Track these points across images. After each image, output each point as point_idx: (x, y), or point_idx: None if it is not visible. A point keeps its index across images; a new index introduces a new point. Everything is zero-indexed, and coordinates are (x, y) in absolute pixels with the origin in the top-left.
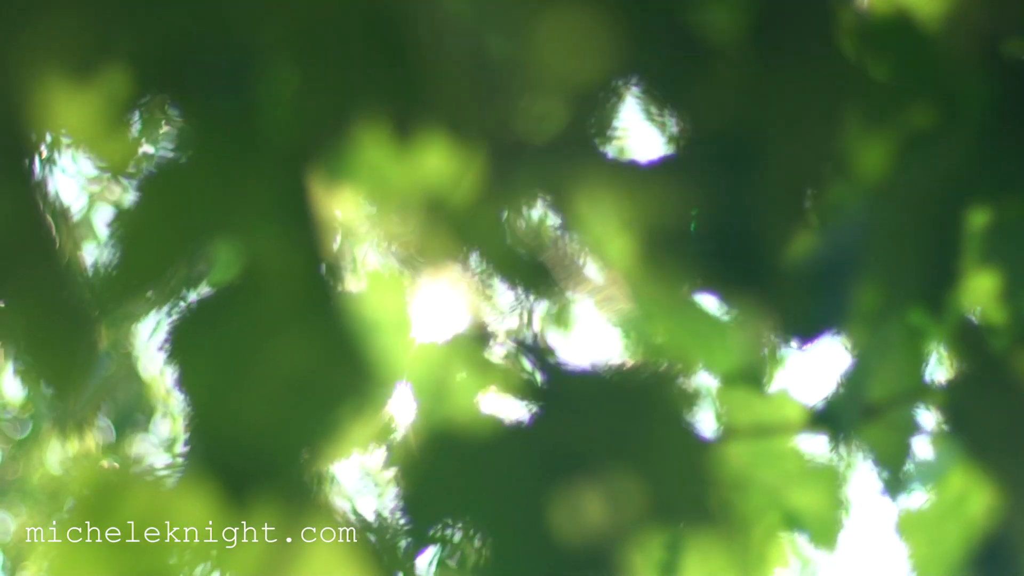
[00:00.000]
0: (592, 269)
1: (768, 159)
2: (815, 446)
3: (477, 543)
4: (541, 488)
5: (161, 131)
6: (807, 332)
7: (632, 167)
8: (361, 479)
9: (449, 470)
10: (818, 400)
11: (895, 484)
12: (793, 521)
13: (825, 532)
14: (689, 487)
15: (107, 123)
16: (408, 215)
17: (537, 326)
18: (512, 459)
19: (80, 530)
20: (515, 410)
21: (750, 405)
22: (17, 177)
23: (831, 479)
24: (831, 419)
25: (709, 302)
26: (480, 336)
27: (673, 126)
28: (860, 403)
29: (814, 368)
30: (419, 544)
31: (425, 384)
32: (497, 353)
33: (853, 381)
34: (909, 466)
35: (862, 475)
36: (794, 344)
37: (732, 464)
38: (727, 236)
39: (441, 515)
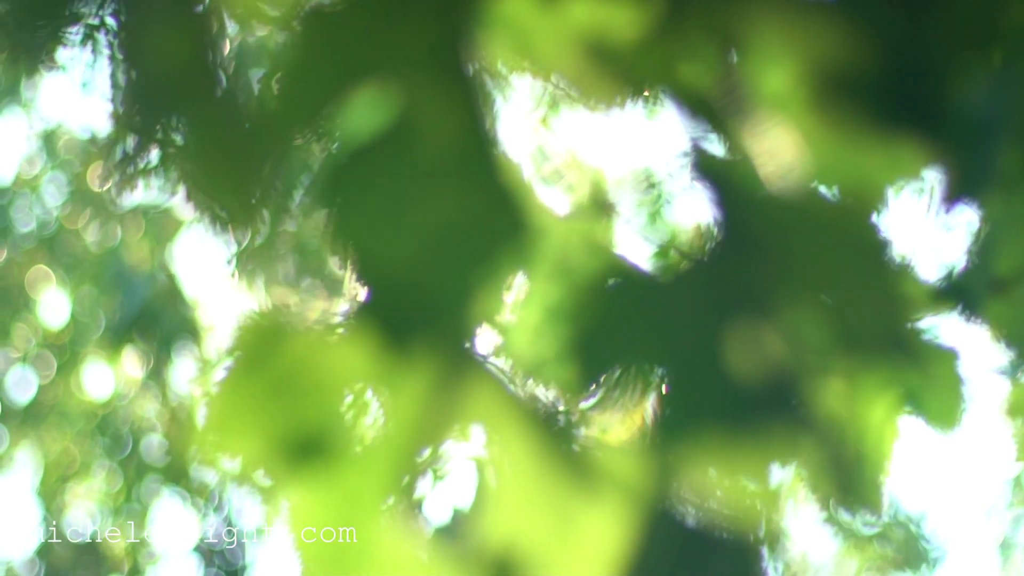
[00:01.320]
0: (764, 109)
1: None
2: (937, 323)
3: (654, 384)
4: (719, 325)
5: None
6: (954, 193)
7: (806, 4)
8: (520, 328)
9: (623, 310)
10: (944, 274)
11: (1019, 361)
12: (912, 400)
13: (944, 412)
14: (876, 317)
15: None
16: (570, 60)
17: (709, 162)
18: (689, 296)
19: (243, 379)
20: (691, 246)
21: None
22: (187, 19)
23: (951, 358)
24: (957, 294)
25: (879, 143)
26: (645, 180)
27: None
28: (988, 278)
29: (942, 241)
30: (590, 386)
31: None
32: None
33: (982, 254)
34: None
35: (983, 353)
36: (943, 206)
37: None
38: (901, 76)
39: (616, 356)
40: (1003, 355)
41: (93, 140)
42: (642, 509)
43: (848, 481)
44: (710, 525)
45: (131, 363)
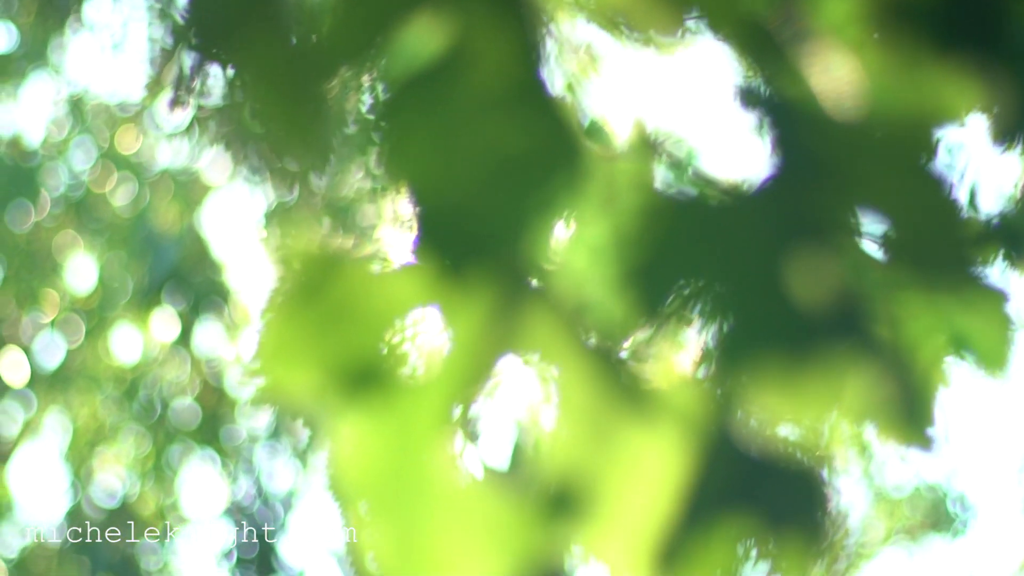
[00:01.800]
0: (823, 36)
1: None
2: (985, 263)
3: (714, 312)
4: (781, 250)
5: None
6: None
7: None
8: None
9: (682, 236)
10: (993, 214)
11: None
12: (961, 344)
13: (994, 356)
14: (939, 240)
15: None
16: None
17: (768, 89)
18: (750, 221)
19: (296, 307)
20: (749, 170)
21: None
22: None
23: (1000, 299)
24: (1005, 236)
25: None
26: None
27: None
28: None
29: (993, 179)
30: (648, 313)
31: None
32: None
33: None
34: None
35: None
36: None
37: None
38: (961, 5)
39: (675, 282)
40: None
41: (122, 104)
42: (701, 438)
43: (910, 410)
44: (772, 453)
45: (160, 327)
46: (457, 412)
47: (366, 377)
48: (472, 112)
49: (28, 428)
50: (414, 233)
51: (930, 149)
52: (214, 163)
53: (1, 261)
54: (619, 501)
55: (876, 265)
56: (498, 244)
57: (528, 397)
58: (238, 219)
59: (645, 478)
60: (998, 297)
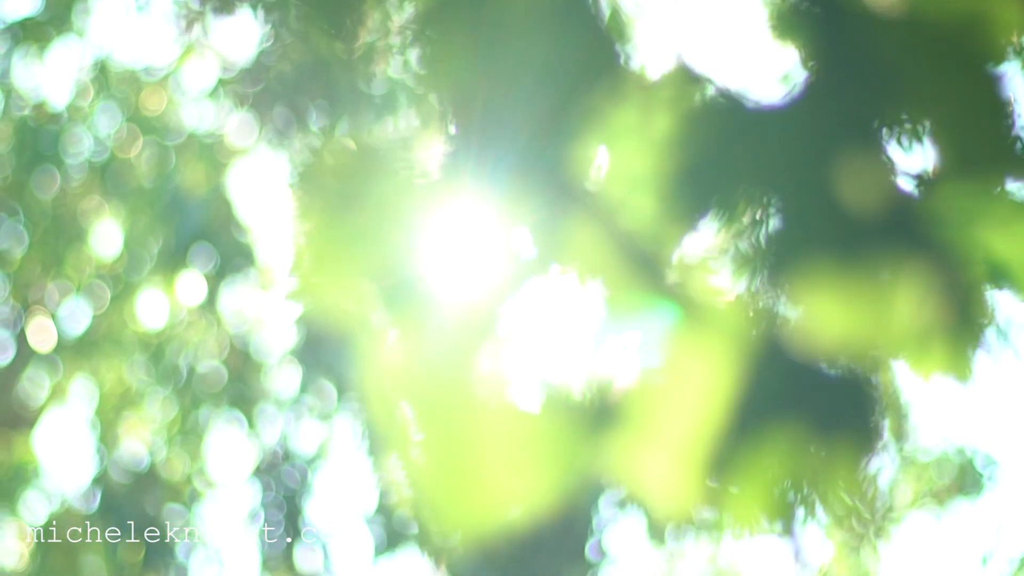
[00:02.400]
0: None
1: None
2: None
3: (761, 216)
4: (830, 151)
5: None
6: None
7: None
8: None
9: (731, 138)
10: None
11: None
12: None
13: None
14: (991, 138)
15: None
16: None
17: None
18: (799, 122)
19: (335, 217)
20: (797, 71)
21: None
22: None
23: None
24: None
25: None
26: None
27: None
28: None
29: None
30: (700, 211)
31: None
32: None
33: None
34: None
35: None
36: None
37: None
38: None
39: (721, 187)
40: None
41: (147, 67)
42: (750, 347)
43: (967, 310)
44: (821, 359)
45: (186, 290)
46: (499, 323)
47: (406, 285)
48: (516, 20)
49: (55, 394)
50: (455, 141)
51: (981, 50)
52: (240, 126)
53: (27, 227)
54: (667, 412)
55: (925, 169)
56: (541, 153)
57: (574, 308)
58: (264, 182)
59: (693, 388)
60: None
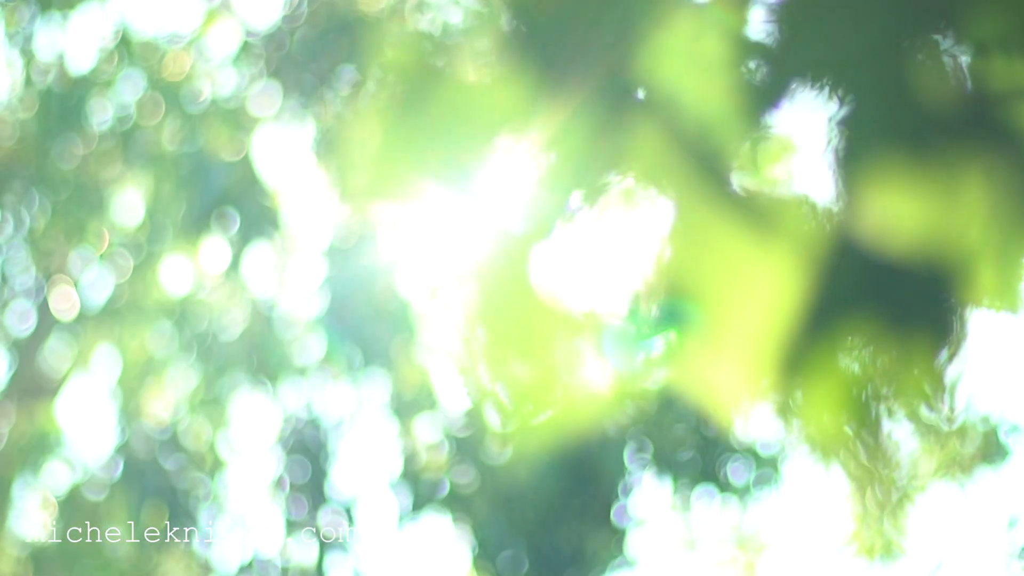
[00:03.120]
0: None
1: None
2: None
3: (835, 95)
4: (906, 41)
5: None
6: None
7: None
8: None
9: (804, 25)
10: None
11: None
12: None
13: None
14: None
15: None
16: None
17: None
18: (873, 9)
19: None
20: None
21: None
22: None
23: None
24: None
25: None
26: None
27: None
28: None
29: None
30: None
31: None
32: None
33: None
34: None
35: None
36: None
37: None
38: None
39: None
40: None
41: (170, 35)
42: (822, 242)
43: None
44: (895, 253)
45: (209, 257)
46: (560, 226)
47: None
48: None
49: (77, 363)
50: (514, 46)
51: None
52: (263, 92)
53: (49, 195)
54: (736, 313)
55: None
56: (598, 56)
57: (638, 215)
58: (287, 148)
59: (763, 287)
60: None
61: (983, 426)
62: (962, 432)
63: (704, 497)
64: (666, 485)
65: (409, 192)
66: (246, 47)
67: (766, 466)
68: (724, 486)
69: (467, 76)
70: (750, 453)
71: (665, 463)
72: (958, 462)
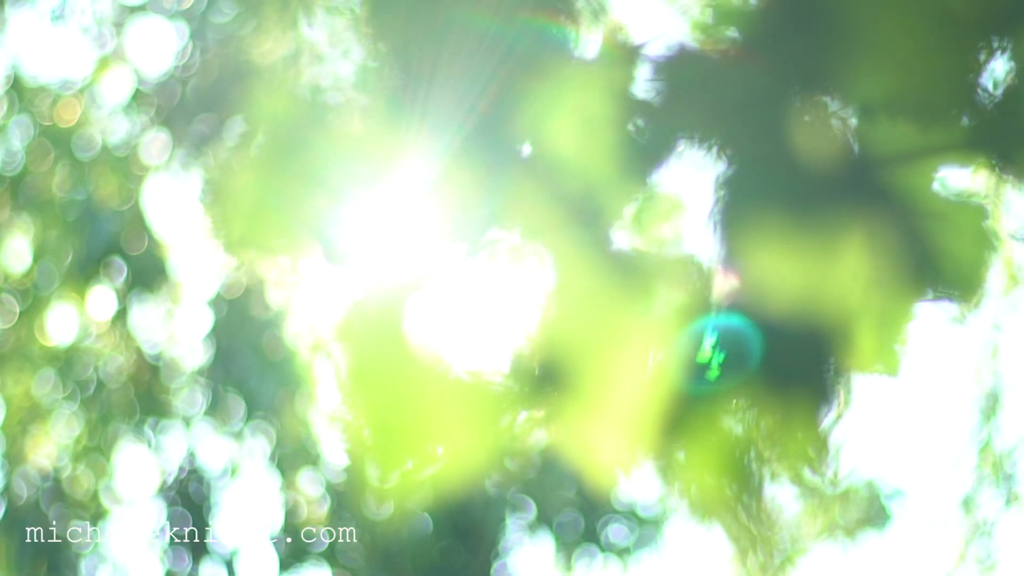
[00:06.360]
0: None
1: None
2: (968, 177)
3: (718, 155)
4: (783, 102)
5: None
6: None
7: None
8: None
9: (691, 82)
10: (976, 120)
11: None
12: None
13: (967, 272)
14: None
15: None
16: None
17: None
18: (750, 72)
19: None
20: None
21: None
22: None
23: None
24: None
25: None
26: None
27: None
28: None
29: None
30: (662, 153)
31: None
32: None
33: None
34: None
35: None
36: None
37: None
38: None
39: (684, 126)
40: None
41: (61, 81)
42: (702, 305)
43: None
44: (776, 316)
45: (96, 304)
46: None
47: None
48: None
49: None
50: (398, 99)
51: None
52: (154, 141)
53: None
54: (617, 373)
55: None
56: (482, 110)
57: (519, 272)
58: (177, 197)
59: (645, 347)
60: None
61: (866, 490)
62: (845, 495)
63: (585, 557)
64: (548, 545)
65: (287, 244)
66: (138, 95)
67: (648, 527)
68: (605, 547)
69: (349, 128)
70: (632, 514)
71: (547, 523)
72: (841, 525)
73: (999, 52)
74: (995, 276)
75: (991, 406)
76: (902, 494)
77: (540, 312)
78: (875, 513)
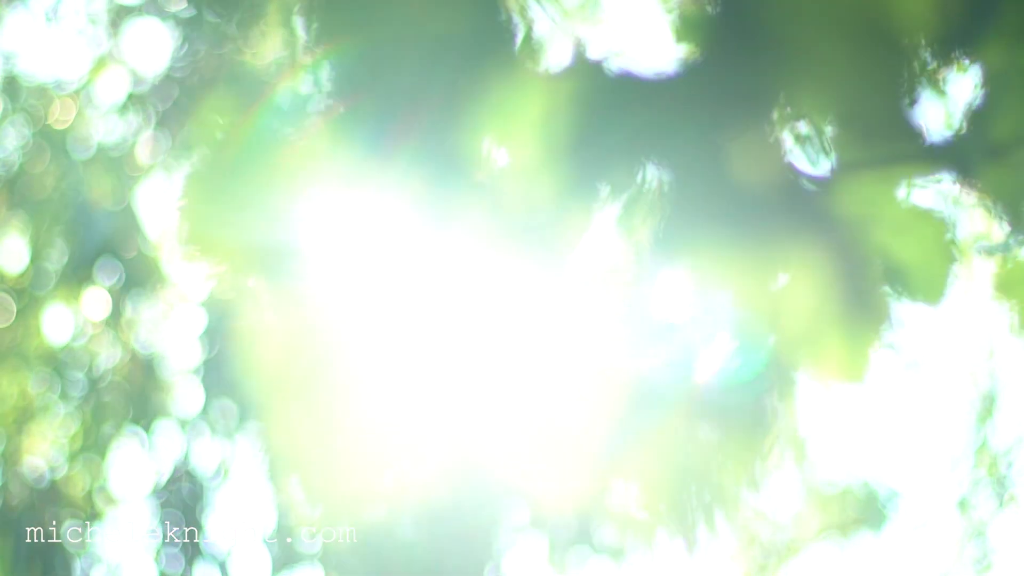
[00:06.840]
0: None
1: None
2: (926, 192)
3: (653, 179)
4: (722, 124)
5: None
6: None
7: None
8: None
9: (622, 106)
10: (940, 137)
11: (1014, 229)
12: (897, 274)
13: (930, 282)
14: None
15: None
16: None
17: None
18: (686, 96)
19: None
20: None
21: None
22: None
23: (940, 228)
24: (953, 157)
25: None
26: None
27: None
28: (985, 142)
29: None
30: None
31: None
32: None
33: (979, 117)
34: None
35: (971, 225)
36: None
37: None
38: None
39: (616, 149)
40: (997, 226)
41: (56, 81)
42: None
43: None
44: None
45: (91, 305)
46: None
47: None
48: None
49: None
50: (341, 110)
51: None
52: (149, 142)
53: None
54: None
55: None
56: (434, 123)
57: (465, 293)
58: (171, 198)
59: (593, 375)
60: (939, 224)
61: (862, 492)
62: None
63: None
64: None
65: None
66: (133, 96)
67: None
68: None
69: (304, 141)
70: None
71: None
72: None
73: (946, 67)
74: (958, 286)
75: (987, 408)
76: (898, 495)
77: (488, 325)
78: (871, 514)
